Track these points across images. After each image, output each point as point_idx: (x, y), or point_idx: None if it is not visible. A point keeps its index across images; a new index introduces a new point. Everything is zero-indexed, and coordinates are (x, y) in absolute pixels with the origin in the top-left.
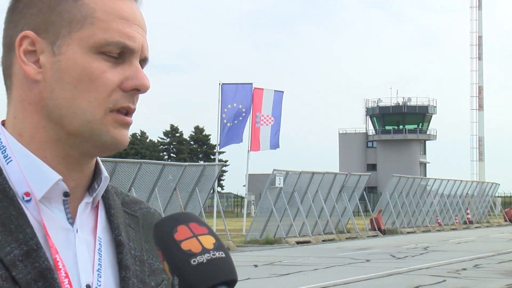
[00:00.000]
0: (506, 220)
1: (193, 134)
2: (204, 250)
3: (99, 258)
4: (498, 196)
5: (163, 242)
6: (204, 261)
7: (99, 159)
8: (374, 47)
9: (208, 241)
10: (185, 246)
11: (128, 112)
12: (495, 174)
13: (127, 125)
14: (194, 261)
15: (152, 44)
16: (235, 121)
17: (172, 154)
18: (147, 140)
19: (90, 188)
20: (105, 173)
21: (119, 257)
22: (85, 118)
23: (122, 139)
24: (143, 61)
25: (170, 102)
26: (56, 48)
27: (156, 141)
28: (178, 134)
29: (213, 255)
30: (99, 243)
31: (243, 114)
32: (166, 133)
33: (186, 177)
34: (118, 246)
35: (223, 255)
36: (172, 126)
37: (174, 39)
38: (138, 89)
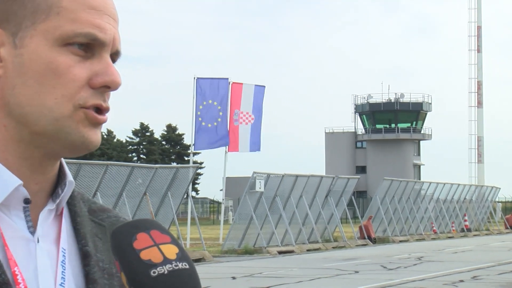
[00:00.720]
0: (507, 228)
1: (165, 133)
2: (166, 261)
3: (62, 271)
4: (498, 201)
5: (120, 250)
6: (165, 272)
7: (63, 161)
8: (364, 38)
9: (171, 251)
10: (144, 255)
11: (100, 110)
12: (495, 177)
13: (99, 123)
14: (154, 272)
15: (121, 35)
16: (215, 123)
17: (142, 155)
18: (114, 140)
19: (53, 193)
20: (70, 177)
21: (85, 270)
22: (52, 116)
23: (93, 138)
24: (115, 55)
25: (140, 98)
26: (18, 40)
27: (124, 141)
28: (148, 133)
29: (176, 266)
30: (63, 255)
31: (221, 114)
32: (135, 132)
33: (157, 181)
34: (84, 258)
35: (187, 267)
36: (142, 124)
37: (144, 29)
38: (108, 86)
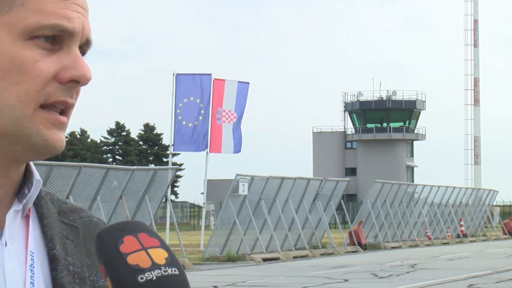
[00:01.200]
0: (505, 233)
1: (143, 132)
2: (154, 266)
3: (31, 276)
4: (496, 205)
5: (106, 254)
6: (154, 278)
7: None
8: (354, 32)
9: (160, 255)
10: (132, 260)
11: (66, 108)
12: (493, 180)
13: (61, 125)
14: (142, 278)
15: (93, 27)
16: (196, 122)
17: (117, 156)
18: (88, 140)
19: (19, 193)
20: (37, 175)
21: (53, 274)
22: (13, 115)
23: (56, 141)
24: (86, 45)
25: (115, 95)
26: None
27: (98, 141)
28: (124, 133)
29: (165, 271)
30: (31, 258)
31: (202, 112)
32: (110, 132)
33: (134, 183)
34: (52, 261)
35: (176, 272)
36: (117, 123)
37: (119, 21)
38: (77, 81)
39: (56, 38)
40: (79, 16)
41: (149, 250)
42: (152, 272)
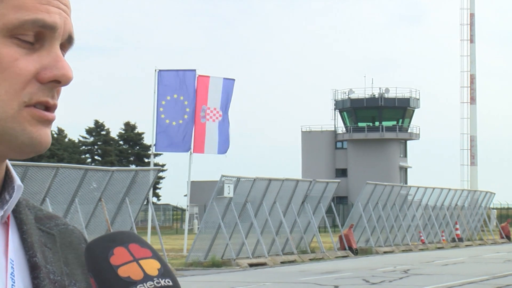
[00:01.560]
0: (502, 237)
1: (123, 132)
2: (147, 277)
3: (12, 284)
4: (493, 208)
5: (96, 267)
6: None
7: (9, 164)
8: (344, 26)
9: (152, 266)
10: (123, 272)
11: (48, 108)
12: (489, 181)
13: (48, 122)
14: None
15: (72, 21)
16: (180, 121)
17: (96, 157)
18: (66, 140)
19: None
20: (18, 181)
21: (34, 283)
22: None
23: (42, 138)
24: (68, 43)
25: (95, 93)
26: None
27: (76, 140)
28: (104, 132)
29: (157, 283)
30: (11, 266)
31: (188, 110)
32: (89, 131)
33: (114, 185)
34: (33, 269)
35: (170, 284)
36: (96, 122)
37: (99, 15)
38: (58, 81)
39: (37, 36)
40: (61, 12)
41: (141, 261)
42: (144, 284)
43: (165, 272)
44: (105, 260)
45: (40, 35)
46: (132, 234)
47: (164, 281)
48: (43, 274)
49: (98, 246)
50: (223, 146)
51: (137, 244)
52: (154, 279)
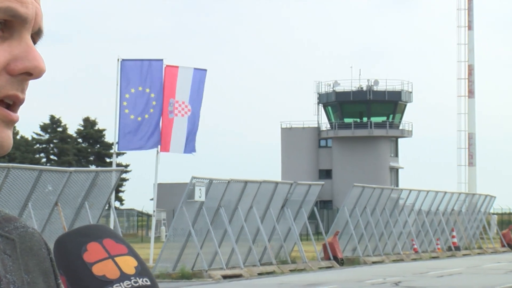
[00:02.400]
0: (503, 245)
1: (82, 128)
2: (123, 276)
3: None
4: (493, 213)
5: (67, 264)
6: None
7: None
8: (329, 12)
9: (128, 264)
10: (97, 270)
11: (15, 103)
12: (489, 184)
13: (11, 123)
14: None
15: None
16: (146, 116)
17: (52, 156)
18: (18, 137)
19: None
20: None
21: None
22: None
23: (5, 141)
24: (37, 34)
25: (50, 85)
26: None
27: (30, 138)
28: (60, 129)
29: (135, 282)
30: None
31: (154, 103)
32: (44, 127)
33: (72, 188)
34: None
35: (148, 283)
36: (52, 117)
37: None
38: (29, 73)
39: (6, 25)
40: (33, 2)
41: (117, 259)
42: (121, 284)
43: (142, 270)
44: (77, 256)
45: (9, 25)
46: (106, 228)
47: (142, 280)
48: (3, 285)
49: (70, 241)
50: (190, 145)
51: (112, 239)
52: (132, 278)
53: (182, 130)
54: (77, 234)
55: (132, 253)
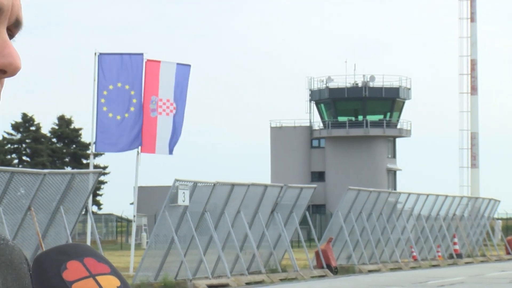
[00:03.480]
0: (508, 253)
1: (56, 127)
2: None
3: None
4: (498, 218)
5: (46, 283)
6: None
7: None
8: (321, 1)
9: (110, 284)
10: None
11: None
12: (493, 187)
13: None
14: None
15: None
16: (126, 114)
17: (25, 157)
18: None
19: None
20: None
21: None
22: None
23: None
24: (16, 27)
25: (22, 81)
26: None
27: (0, 137)
28: (34, 128)
29: None
30: None
31: (134, 101)
32: (15, 126)
33: (46, 191)
34: None
35: None
36: (24, 115)
37: None
38: (4, 71)
39: None
40: None
41: (98, 278)
42: None
43: None
44: (56, 274)
45: None
46: (87, 247)
47: None
48: None
49: (48, 259)
50: (174, 145)
51: (93, 258)
52: None
53: (167, 130)
54: (56, 252)
55: (115, 273)
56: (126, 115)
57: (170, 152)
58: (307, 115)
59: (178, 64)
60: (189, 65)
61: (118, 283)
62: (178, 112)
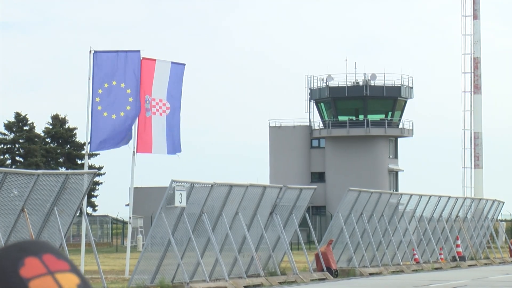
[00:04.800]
0: None
1: (50, 127)
2: None
3: None
4: (501, 220)
5: (2, 279)
6: None
7: None
8: None
9: (70, 281)
10: (35, 286)
11: None
12: (497, 188)
13: None
14: None
15: None
16: (121, 113)
17: (18, 157)
18: None
19: None
20: None
21: None
22: None
23: None
24: None
25: (15, 79)
26: None
27: None
28: (27, 127)
29: None
30: None
31: (131, 100)
32: (8, 126)
33: (40, 192)
34: None
35: None
36: (18, 115)
37: None
38: None
39: None
40: None
41: (57, 275)
42: None
43: None
44: (13, 271)
45: None
46: (46, 244)
47: None
48: None
49: (5, 256)
50: (173, 145)
51: (52, 255)
52: None
53: (162, 130)
54: (14, 248)
55: (75, 270)
56: (122, 114)
57: (170, 152)
58: (306, 115)
59: (173, 63)
60: (184, 64)
61: (77, 280)
62: (173, 112)
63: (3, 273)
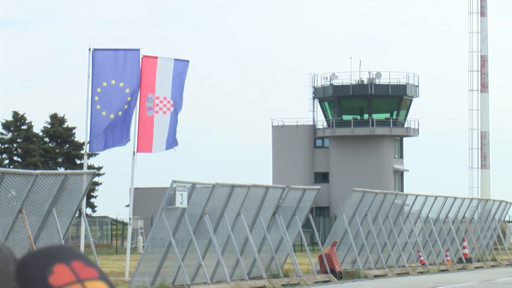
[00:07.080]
0: None
1: (49, 126)
2: None
3: None
4: (509, 221)
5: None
6: None
7: None
8: None
9: None
10: None
11: None
12: (504, 188)
13: None
14: None
15: None
16: (119, 113)
17: (16, 157)
18: None
19: None
20: None
21: None
22: None
23: None
24: None
25: (13, 78)
26: None
27: None
28: (25, 127)
29: None
30: None
31: (129, 99)
32: (6, 125)
33: (39, 192)
34: None
35: None
36: (15, 114)
37: None
38: None
39: None
40: None
41: (87, 283)
42: None
43: None
44: (42, 279)
45: None
46: (75, 250)
47: None
48: None
49: (33, 263)
50: (171, 140)
51: (81, 261)
52: None
53: (164, 128)
54: (43, 255)
55: (104, 278)
56: (120, 113)
57: (168, 146)
58: (310, 114)
59: (176, 59)
60: (188, 61)
61: None
62: (176, 110)
63: (32, 281)
